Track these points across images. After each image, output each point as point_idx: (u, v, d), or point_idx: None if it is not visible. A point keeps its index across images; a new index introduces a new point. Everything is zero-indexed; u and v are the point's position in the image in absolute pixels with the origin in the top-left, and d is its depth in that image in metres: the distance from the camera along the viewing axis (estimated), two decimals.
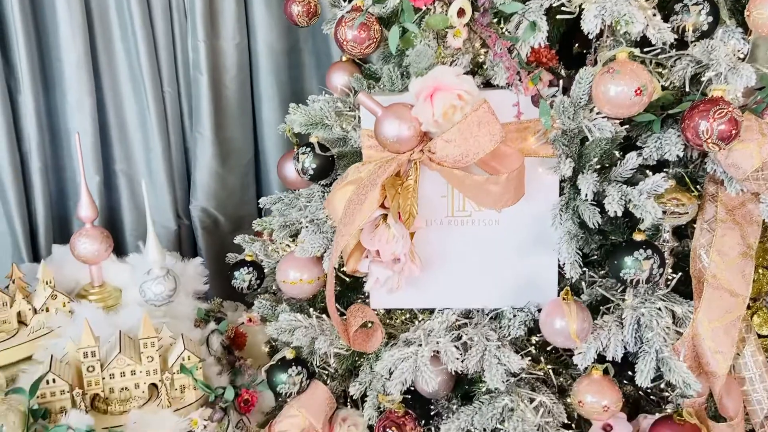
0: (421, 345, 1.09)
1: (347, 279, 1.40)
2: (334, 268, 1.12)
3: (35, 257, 1.69)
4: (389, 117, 1.02)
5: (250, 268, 1.46)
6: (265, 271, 1.48)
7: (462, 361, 1.07)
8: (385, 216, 1.07)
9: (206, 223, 1.95)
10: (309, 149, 1.23)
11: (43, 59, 1.67)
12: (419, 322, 1.21)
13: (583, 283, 1.15)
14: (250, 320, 1.45)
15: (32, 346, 1.23)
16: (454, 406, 1.21)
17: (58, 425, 1.06)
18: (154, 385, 1.19)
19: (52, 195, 1.74)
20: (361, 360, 1.24)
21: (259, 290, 1.51)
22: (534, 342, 1.17)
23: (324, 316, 1.25)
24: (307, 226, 1.29)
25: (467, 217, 1.12)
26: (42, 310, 1.26)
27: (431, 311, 1.20)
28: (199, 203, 1.94)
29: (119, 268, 1.40)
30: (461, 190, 1.05)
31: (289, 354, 1.20)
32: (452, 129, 0.98)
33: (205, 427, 1.14)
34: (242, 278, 1.46)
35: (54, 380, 1.10)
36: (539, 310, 1.12)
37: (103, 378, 1.15)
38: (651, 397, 1.24)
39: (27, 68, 1.60)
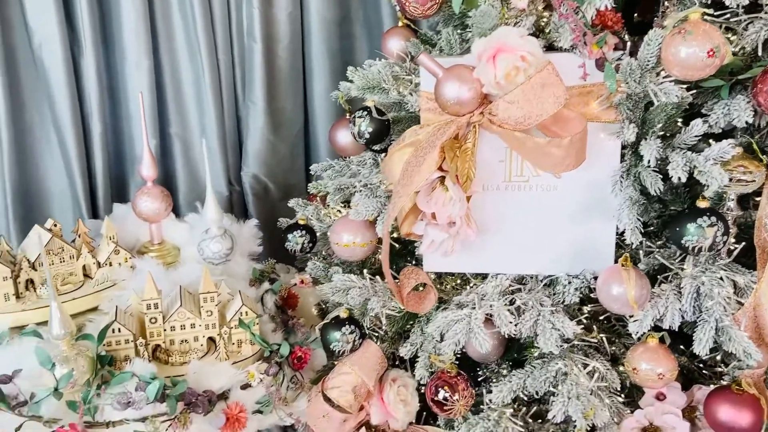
0: (474, 308, 1.10)
1: (397, 245, 1.42)
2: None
3: (94, 215, 1.75)
4: (450, 78, 1.02)
5: (303, 231, 1.49)
6: (317, 234, 1.51)
7: (515, 325, 1.08)
8: (442, 178, 1.08)
9: (257, 190, 1.99)
10: (365, 113, 1.24)
11: (104, 21, 1.71)
12: (471, 287, 1.22)
13: (640, 252, 1.13)
14: (302, 282, 1.48)
15: (97, 298, 1.28)
16: (504, 371, 1.22)
17: (123, 372, 1.10)
18: (211, 339, 1.23)
19: (110, 155, 1.79)
20: (412, 322, 1.25)
21: (310, 253, 1.54)
22: (586, 311, 1.17)
23: (377, 278, 1.26)
24: (360, 190, 1.30)
25: (524, 183, 1.12)
26: (105, 264, 1.31)
27: (483, 277, 1.21)
28: (251, 170, 1.98)
29: (178, 227, 1.44)
30: (521, 153, 1.05)
31: (342, 313, 1.22)
32: (515, 90, 0.97)
33: (261, 380, 1.17)
34: (295, 241, 1.49)
35: (119, 329, 1.14)
36: (595, 278, 1.12)
37: (164, 330, 1.19)
38: (704, 371, 1.23)
39: (89, 30, 1.64)
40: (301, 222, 1.51)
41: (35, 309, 1.21)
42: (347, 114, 1.51)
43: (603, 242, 1.12)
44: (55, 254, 1.26)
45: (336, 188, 1.37)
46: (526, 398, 1.15)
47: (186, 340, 1.21)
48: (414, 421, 1.27)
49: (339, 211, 1.53)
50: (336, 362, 1.26)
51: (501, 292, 1.12)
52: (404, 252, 1.51)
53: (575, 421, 1.02)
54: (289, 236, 1.49)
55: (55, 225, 1.29)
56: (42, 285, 1.24)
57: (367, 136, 1.24)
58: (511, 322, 1.08)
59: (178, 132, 1.88)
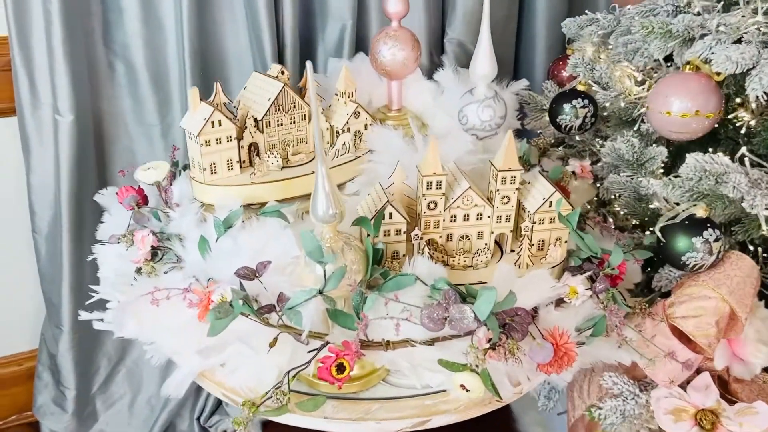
0: None
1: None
2: None
3: None
4: None
5: (586, 101, 1.09)
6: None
7: None
8: None
9: (461, 61, 1.59)
10: None
11: None
12: None
13: None
14: (582, 170, 1.09)
15: (336, 173, 0.94)
16: None
17: (403, 273, 0.77)
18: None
19: (299, 11, 1.43)
20: None
21: (588, 131, 1.15)
22: None
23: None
24: (712, 32, 0.87)
25: None
26: (343, 130, 0.96)
27: None
28: (456, 36, 1.59)
29: (423, 88, 1.07)
30: None
31: (700, 211, 0.83)
32: None
33: (584, 299, 0.81)
34: (574, 113, 1.09)
35: (391, 215, 0.80)
36: None
37: (443, 219, 0.84)
38: None
39: None
40: (581, 88, 1.11)
41: (267, 183, 0.88)
42: None
43: None
44: (284, 112, 0.92)
45: (663, 31, 0.95)
46: None
47: (467, 236, 0.86)
48: None
49: (631, 72, 1.11)
50: (680, 280, 0.89)
51: None
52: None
53: None
54: (566, 107, 1.10)
55: (283, 72, 0.94)
56: (268, 152, 0.91)
57: None
58: None
59: None
